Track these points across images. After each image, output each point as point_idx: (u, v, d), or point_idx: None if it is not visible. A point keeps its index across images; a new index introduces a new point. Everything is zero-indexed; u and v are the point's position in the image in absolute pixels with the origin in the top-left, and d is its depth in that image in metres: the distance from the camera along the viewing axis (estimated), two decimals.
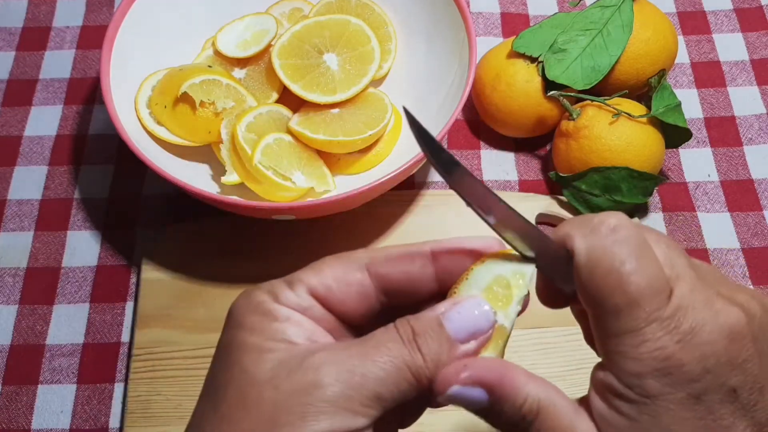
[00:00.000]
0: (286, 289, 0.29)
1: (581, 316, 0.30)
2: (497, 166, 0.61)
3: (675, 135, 0.56)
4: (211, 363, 0.29)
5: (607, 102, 0.55)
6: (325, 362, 0.26)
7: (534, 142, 0.62)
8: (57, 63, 0.67)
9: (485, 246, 0.31)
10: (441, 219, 0.57)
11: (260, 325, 0.28)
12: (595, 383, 0.28)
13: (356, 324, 0.30)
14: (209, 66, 0.57)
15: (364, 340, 0.27)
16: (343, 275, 0.29)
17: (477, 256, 0.30)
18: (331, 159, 0.57)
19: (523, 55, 0.58)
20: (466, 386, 0.27)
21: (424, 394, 0.27)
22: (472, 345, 0.28)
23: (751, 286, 0.56)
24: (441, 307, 0.28)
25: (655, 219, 0.59)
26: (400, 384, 0.26)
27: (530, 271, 0.29)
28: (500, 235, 0.30)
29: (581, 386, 0.29)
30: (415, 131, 0.29)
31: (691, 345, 0.26)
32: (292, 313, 0.28)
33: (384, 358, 0.26)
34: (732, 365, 0.26)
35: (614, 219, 0.27)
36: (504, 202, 0.29)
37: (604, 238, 0.27)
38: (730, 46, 0.68)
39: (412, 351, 0.27)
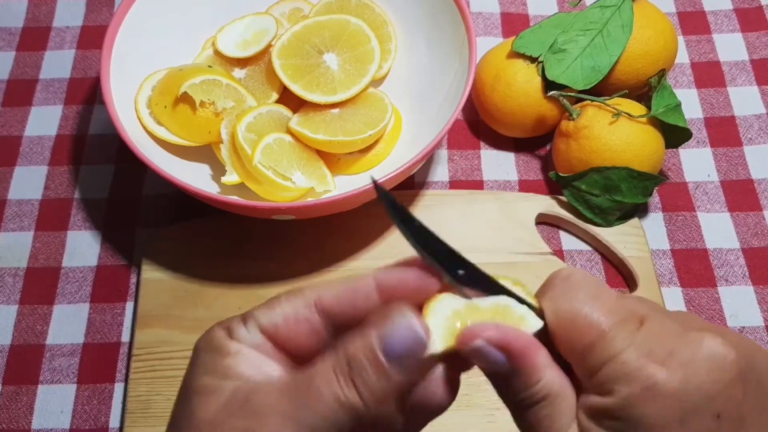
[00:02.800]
0: (240, 325, 0.30)
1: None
2: (497, 166, 0.61)
3: (675, 135, 0.56)
4: (176, 397, 0.31)
5: (607, 102, 0.55)
6: (262, 407, 0.27)
7: (534, 142, 0.62)
8: (57, 63, 0.67)
9: (425, 282, 0.30)
10: (441, 219, 0.57)
11: (212, 363, 0.29)
12: (582, 403, 0.28)
13: (309, 357, 0.29)
14: (209, 66, 0.57)
15: (303, 377, 0.27)
16: (292, 313, 0.30)
17: (420, 289, 0.29)
18: (331, 159, 0.57)
19: (523, 55, 0.58)
20: (491, 345, 0.27)
21: (380, 421, 0.27)
22: (404, 375, 0.27)
23: (751, 286, 0.56)
24: (374, 330, 0.27)
25: (655, 219, 0.59)
26: (339, 422, 0.26)
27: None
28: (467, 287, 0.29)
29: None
30: (386, 204, 0.30)
31: (671, 368, 0.26)
32: (241, 348, 0.29)
33: (318, 403, 0.26)
34: (716, 389, 0.26)
35: (565, 270, 0.29)
36: (471, 263, 0.30)
37: (560, 290, 0.28)
38: (730, 46, 0.68)
39: (347, 388, 0.26)
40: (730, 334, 0.28)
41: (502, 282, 0.30)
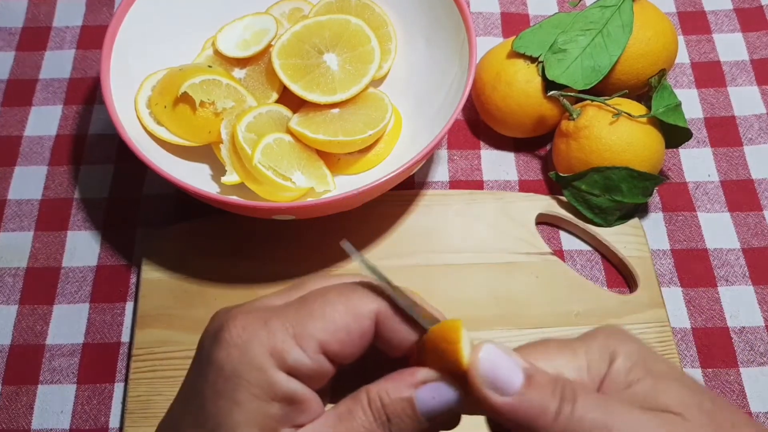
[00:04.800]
0: (294, 346, 0.26)
1: None
2: (497, 166, 0.61)
3: (675, 135, 0.56)
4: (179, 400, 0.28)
5: (607, 102, 0.55)
6: None
7: (534, 142, 0.62)
8: (57, 63, 0.67)
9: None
10: (441, 219, 0.57)
11: (252, 404, 0.26)
12: None
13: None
14: (209, 66, 0.57)
15: (338, 419, 0.27)
16: (354, 324, 0.27)
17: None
18: (331, 159, 0.57)
19: (523, 55, 0.58)
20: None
21: None
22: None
23: (751, 286, 0.56)
24: (412, 388, 0.27)
25: (655, 219, 0.59)
26: None
27: None
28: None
29: None
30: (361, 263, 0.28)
31: None
32: (295, 393, 0.26)
33: None
34: None
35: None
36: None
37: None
38: (730, 46, 0.68)
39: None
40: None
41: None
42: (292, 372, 0.26)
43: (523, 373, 0.26)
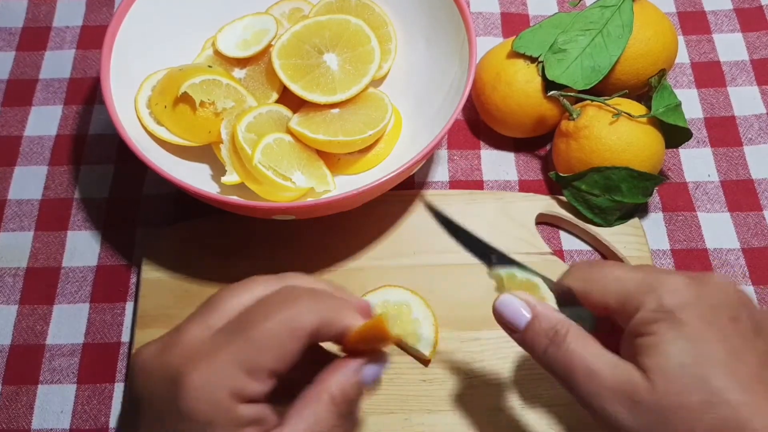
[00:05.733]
0: (249, 381, 0.30)
1: None
2: (497, 166, 0.61)
3: (675, 135, 0.56)
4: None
5: (607, 102, 0.55)
6: None
7: (534, 142, 0.62)
8: (57, 63, 0.67)
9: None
10: None
11: None
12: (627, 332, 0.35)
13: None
14: (209, 66, 0.57)
15: (307, 423, 0.32)
16: (297, 344, 0.31)
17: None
18: (331, 159, 0.57)
19: (523, 55, 0.58)
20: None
21: None
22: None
23: (751, 287, 0.56)
24: (358, 373, 0.34)
25: (655, 219, 0.59)
26: None
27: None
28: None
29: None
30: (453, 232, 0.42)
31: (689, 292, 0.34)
32: (258, 415, 0.31)
33: None
34: (726, 301, 0.34)
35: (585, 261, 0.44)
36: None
37: (587, 268, 0.39)
38: (730, 46, 0.68)
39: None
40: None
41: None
42: (254, 399, 0.30)
43: (530, 314, 0.37)
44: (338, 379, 0.33)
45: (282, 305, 0.32)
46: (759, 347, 0.33)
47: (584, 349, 0.35)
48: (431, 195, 0.58)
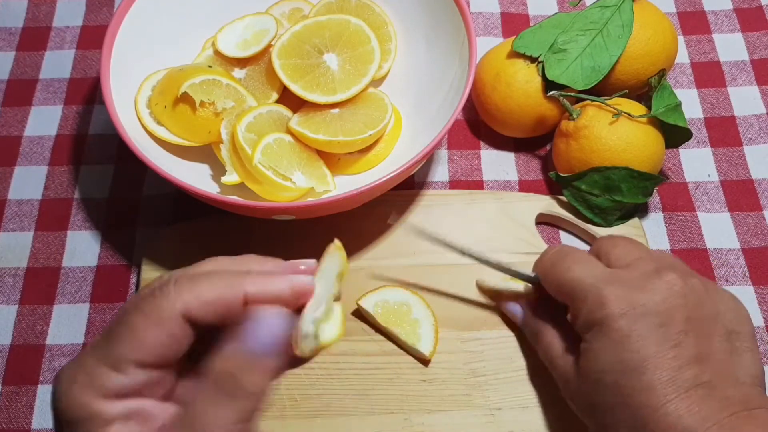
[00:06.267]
0: (111, 372, 0.28)
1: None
2: (497, 166, 0.61)
3: (675, 135, 0.56)
4: None
5: (607, 102, 0.55)
6: None
7: (534, 142, 0.62)
8: (57, 63, 0.67)
9: (298, 289, 0.32)
10: (441, 219, 0.57)
11: None
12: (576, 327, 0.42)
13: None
14: (209, 66, 0.57)
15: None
16: (163, 333, 0.29)
17: (287, 301, 0.32)
18: (331, 159, 0.57)
19: (523, 55, 0.58)
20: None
21: None
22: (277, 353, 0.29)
23: (751, 286, 0.56)
24: (239, 337, 0.29)
25: (655, 219, 0.59)
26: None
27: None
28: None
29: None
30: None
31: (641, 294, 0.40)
32: (122, 409, 0.28)
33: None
34: (664, 307, 0.39)
35: (552, 247, 0.48)
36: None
37: (549, 261, 0.46)
38: (730, 46, 0.68)
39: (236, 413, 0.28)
40: (690, 276, 0.41)
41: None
42: (121, 393, 0.28)
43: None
44: (222, 350, 0.29)
45: (147, 299, 0.30)
46: (684, 350, 0.37)
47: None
48: (431, 195, 0.58)
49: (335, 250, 0.35)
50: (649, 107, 0.55)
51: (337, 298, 0.35)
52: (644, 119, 0.54)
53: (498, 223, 0.57)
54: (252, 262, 0.33)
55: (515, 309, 0.50)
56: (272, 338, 0.29)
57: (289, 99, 0.57)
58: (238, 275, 0.31)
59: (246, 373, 0.28)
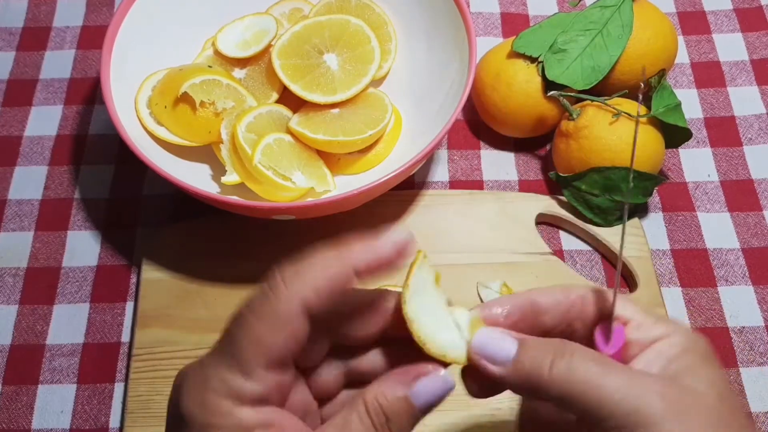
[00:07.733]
0: (244, 379, 0.28)
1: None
2: (497, 166, 0.61)
3: (675, 135, 0.56)
4: None
5: (607, 102, 0.55)
6: None
7: (534, 142, 0.62)
8: (57, 63, 0.67)
9: (399, 244, 0.33)
10: (441, 219, 0.57)
11: None
12: None
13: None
14: (209, 66, 0.57)
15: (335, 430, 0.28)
16: (287, 335, 0.28)
17: (392, 261, 0.33)
18: (331, 159, 0.57)
19: (523, 55, 0.58)
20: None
21: None
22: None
23: (751, 286, 0.56)
24: (407, 387, 0.29)
25: (655, 219, 0.59)
26: None
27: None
28: None
29: None
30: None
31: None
32: (265, 420, 0.28)
33: None
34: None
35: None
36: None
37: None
38: (730, 46, 0.68)
39: None
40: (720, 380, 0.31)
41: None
42: (256, 400, 0.28)
43: (517, 342, 0.30)
44: (380, 387, 0.29)
45: (258, 304, 0.29)
46: None
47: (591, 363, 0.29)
48: (431, 195, 0.58)
49: (422, 258, 0.34)
50: (649, 107, 0.55)
51: (450, 303, 0.34)
52: (644, 119, 0.54)
53: (498, 223, 0.57)
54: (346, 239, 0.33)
55: (504, 342, 0.31)
56: (439, 399, 0.30)
57: (289, 99, 0.57)
58: (338, 254, 0.31)
59: (398, 417, 0.29)
